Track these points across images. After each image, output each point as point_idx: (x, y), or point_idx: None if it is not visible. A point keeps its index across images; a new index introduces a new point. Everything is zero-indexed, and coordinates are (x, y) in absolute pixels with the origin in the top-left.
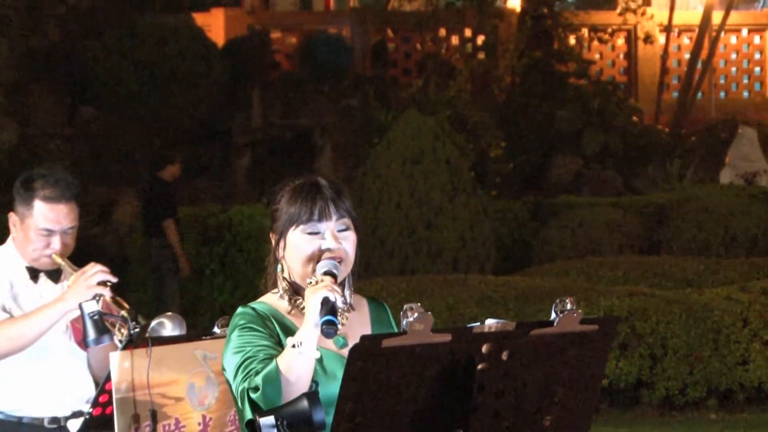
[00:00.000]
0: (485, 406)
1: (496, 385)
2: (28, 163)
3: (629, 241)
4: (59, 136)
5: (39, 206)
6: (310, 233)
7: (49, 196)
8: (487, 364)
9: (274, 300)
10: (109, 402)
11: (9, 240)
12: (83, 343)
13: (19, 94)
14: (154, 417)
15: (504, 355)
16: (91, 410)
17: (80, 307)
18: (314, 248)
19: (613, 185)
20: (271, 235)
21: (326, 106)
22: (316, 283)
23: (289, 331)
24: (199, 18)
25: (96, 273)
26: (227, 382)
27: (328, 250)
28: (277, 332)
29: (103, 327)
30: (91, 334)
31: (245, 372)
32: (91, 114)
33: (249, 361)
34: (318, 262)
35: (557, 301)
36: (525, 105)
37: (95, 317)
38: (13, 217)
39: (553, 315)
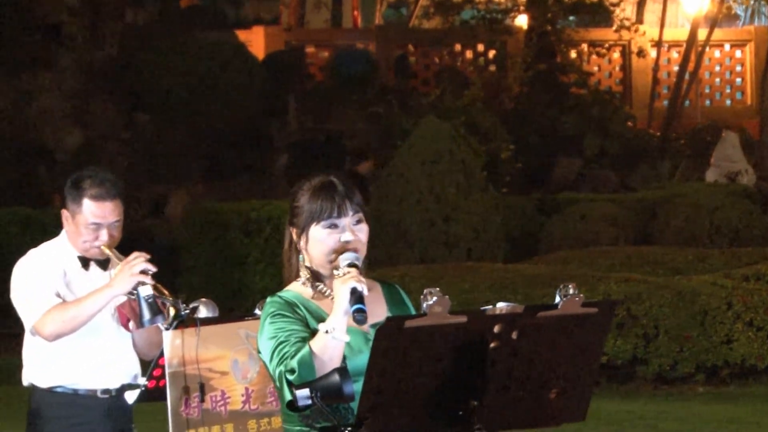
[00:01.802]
0: (497, 381)
1: (506, 361)
2: (90, 163)
3: (624, 233)
4: (117, 139)
5: (87, 204)
6: (330, 228)
7: (96, 195)
8: (499, 342)
9: (298, 287)
10: (162, 376)
11: (62, 233)
12: (139, 323)
13: (82, 102)
14: (203, 389)
15: (514, 335)
16: (146, 383)
17: (137, 290)
18: (334, 241)
19: (610, 183)
20: (291, 229)
21: (354, 113)
22: (344, 274)
23: (315, 314)
24: (242, 35)
25: (138, 263)
26: (264, 364)
27: (347, 242)
28: (305, 316)
29: (157, 309)
30: (146, 315)
31: (280, 356)
32: (145, 120)
33: (282, 345)
34: (337, 253)
35: (561, 286)
36: (531, 112)
37: (150, 300)
38: (65, 214)
39: (558, 299)
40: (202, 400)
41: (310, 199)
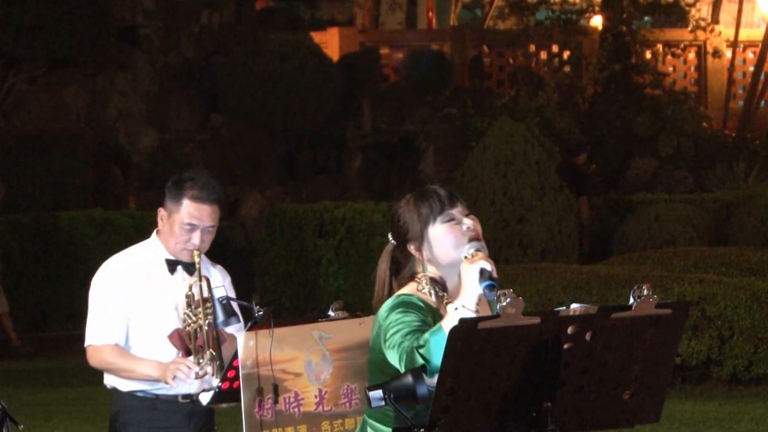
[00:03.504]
0: (570, 382)
1: (580, 362)
2: (165, 164)
3: (699, 234)
4: (193, 140)
5: (186, 204)
6: (448, 221)
7: (196, 196)
8: (572, 343)
9: (421, 294)
10: (236, 377)
11: (153, 234)
12: (214, 325)
13: (158, 104)
14: (276, 390)
15: (587, 336)
16: (220, 384)
17: (210, 292)
18: (456, 232)
19: (685, 184)
20: (409, 249)
21: (429, 114)
22: (471, 256)
23: (440, 318)
24: (317, 36)
25: (179, 374)
26: (376, 350)
27: (468, 228)
28: (431, 321)
29: (231, 311)
30: (221, 316)
31: (413, 337)
32: (221, 121)
33: (415, 331)
34: (464, 243)
35: (635, 287)
36: (606, 112)
37: (224, 302)
38: (161, 212)
39: (632, 300)
40: (276, 402)
41: (417, 206)
